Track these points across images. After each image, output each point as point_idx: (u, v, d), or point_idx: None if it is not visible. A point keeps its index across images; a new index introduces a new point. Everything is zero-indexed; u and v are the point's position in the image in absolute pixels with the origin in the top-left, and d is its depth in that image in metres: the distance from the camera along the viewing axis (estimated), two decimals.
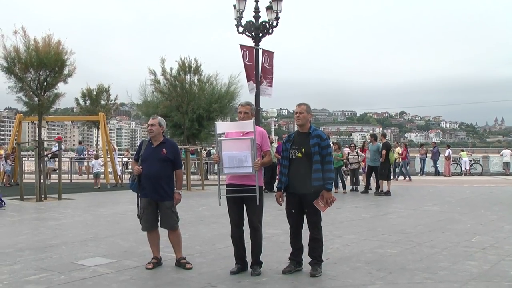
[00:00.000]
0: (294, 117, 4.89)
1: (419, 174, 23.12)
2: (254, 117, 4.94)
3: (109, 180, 16.31)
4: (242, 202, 4.73)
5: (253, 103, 5.06)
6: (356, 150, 15.10)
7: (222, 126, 4.87)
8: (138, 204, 5.06)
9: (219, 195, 4.78)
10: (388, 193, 13.01)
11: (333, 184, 14.01)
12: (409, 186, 16.55)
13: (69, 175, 20.71)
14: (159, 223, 5.09)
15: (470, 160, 24.48)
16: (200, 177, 17.33)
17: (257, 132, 4.70)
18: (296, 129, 4.98)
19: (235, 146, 4.63)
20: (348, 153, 14.54)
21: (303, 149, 4.67)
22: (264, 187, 13.92)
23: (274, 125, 36.46)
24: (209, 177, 21.38)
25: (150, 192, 4.97)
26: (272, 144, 14.38)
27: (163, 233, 5.20)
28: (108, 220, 8.57)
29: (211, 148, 25.44)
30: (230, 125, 4.97)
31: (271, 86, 15.44)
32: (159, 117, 5.17)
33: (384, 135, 14.27)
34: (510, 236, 6.80)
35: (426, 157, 23.54)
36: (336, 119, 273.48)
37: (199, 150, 17.76)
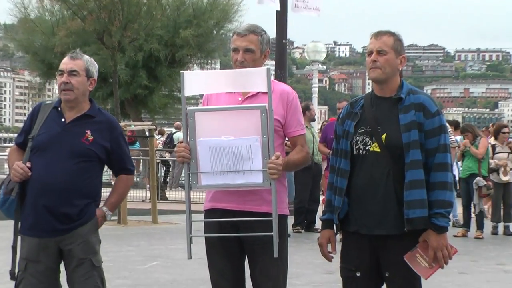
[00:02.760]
0: (365, 64, 4.89)
1: None
2: (267, 61, 4.96)
3: None
4: (242, 252, 4.84)
5: (266, 31, 5.08)
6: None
7: (197, 80, 4.87)
8: (14, 250, 5.14)
9: (188, 235, 4.82)
10: None
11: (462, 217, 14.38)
12: None
13: None
14: None
15: None
16: (149, 194, 17.44)
17: (276, 94, 4.79)
18: (369, 89, 4.90)
19: (227, 124, 4.70)
20: (494, 146, 14.58)
21: (383, 136, 4.71)
22: (294, 220, 13.93)
23: (320, 82, 36.67)
24: (168, 194, 21.72)
25: (45, 222, 5.03)
26: (312, 123, 14.47)
27: None
28: None
29: (173, 130, 25.63)
30: (218, 78, 4.98)
31: None
32: (87, 56, 5.26)
33: None
34: None
35: None
36: (462, 69, 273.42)
37: (147, 133, 17.93)
